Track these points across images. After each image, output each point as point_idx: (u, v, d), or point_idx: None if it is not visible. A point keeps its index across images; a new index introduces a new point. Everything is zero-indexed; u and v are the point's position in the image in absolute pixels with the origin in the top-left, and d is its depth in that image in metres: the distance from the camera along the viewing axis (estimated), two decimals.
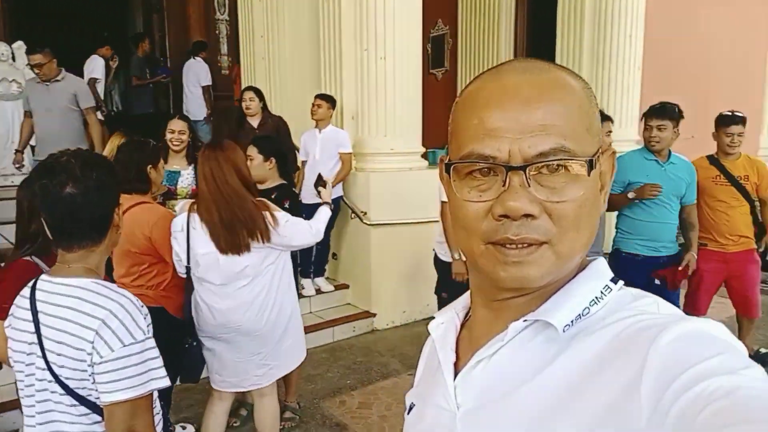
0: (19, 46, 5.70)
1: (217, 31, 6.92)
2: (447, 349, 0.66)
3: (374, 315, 4.63)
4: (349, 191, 4.70)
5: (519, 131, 0.53)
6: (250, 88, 4.89)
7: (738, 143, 3.50)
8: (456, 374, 0.63)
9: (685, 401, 0.43)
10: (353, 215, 4.65)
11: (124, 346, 1.22)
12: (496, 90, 0.56)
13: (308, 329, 3.68)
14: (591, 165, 0.55)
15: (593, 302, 0.56)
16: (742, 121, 3.54)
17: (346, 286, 4.90)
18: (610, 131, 3.54)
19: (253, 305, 2.42)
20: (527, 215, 0.53)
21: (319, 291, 4.71)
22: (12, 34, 6.06)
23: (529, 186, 0.53)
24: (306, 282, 4.61)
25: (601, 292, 0.57)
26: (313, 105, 4.62)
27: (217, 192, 2.31)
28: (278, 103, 5.70)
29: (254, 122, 4.76)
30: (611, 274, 0.60)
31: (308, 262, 4.61)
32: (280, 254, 2.47)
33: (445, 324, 0.70)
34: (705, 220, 3.52)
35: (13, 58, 5.73)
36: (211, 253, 2.34)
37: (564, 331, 0.54)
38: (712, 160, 3.60)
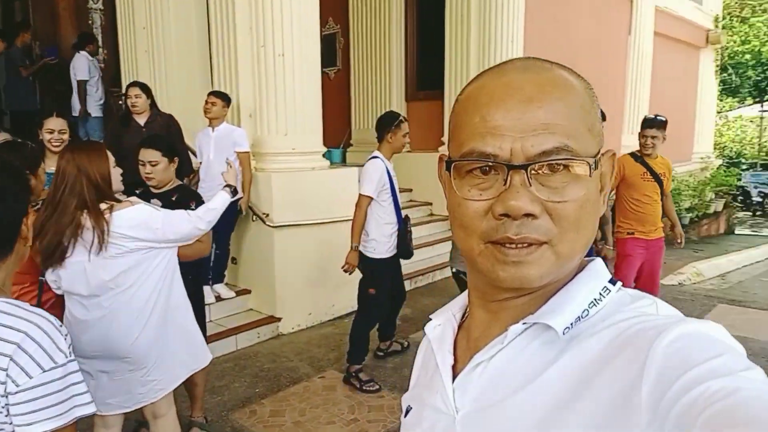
0: None
1: (90, 21, 6.35)
2: (445, 352, 0.65)
3: (279, 319, 4.51)
4: (249, 192, 4.52)
5: (521, 130, 0.53)
6: (135, 84, 4.54)
7: (651, 145, 3.98)
8: (454, 377, 0.62)
9: (685, 403, 0.43)
10: (255, 217, 4.49)
11: (44, 371, 1.07)
12: (499, 88, 0.55)
13: (210, 338, 3.52)
14: (593, 165, 0.54)
15: (592, 304, 0.56)
16: (658, 125, 3.98)
17: (248, 292, 4.72)
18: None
19: (129, 316, 2.20)
20: (528, 215, 0.53)
21: (219, 298, 4.50)
22: None
23: (531, 185, 0.53)
24: (205, 289, 4.38)
25: (600, 294, 0.57)
26: (207, 102, 4.40)
27: (53, 197, 2.10)
28: (164, 100, 5.36)
29: (141, 120, 4.43)
30: (609, 275, 0.60)
31: (206, 269, 4.38)
32: (161, 259, 2.26)
33: (442, 325, 0.69)
34: (633, 212, 4.01)
35: None
36: (78, 262, 2.12)
37: (564, 333, 0.54)
38: (637, 158, 4.06)
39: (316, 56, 4.75)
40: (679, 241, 4.31)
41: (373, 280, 3.60)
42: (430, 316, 0.73)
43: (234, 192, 2.58)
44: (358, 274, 5.00)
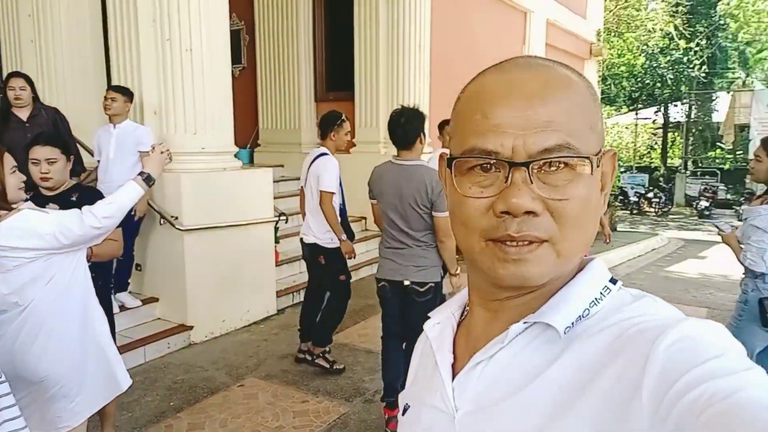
0: None
1: None
2: (444, 350, 0.65)
3: (190, 328, 4.28)
4: (156, 194, 4.26)
5: (523, 127, 0.52)
6: (18, 75, 4.13)
7: None
8: (454, 375, 0.62)
9: (685, 404, 0.43)
10: (162, 221, 4.24)
11: None
12: (501, 85, 0.55)
13: None
14: (595, 163, 0.54)
15: (593, 303, 0.56)
16: None
17: (155, 300, 4.44)
18: None
19: (40, 333, 2.01)
20: (529, 212, 0.52)
21: (123, 308, 4.19)
22: None
23: (532, 183, 0.52)
24: None
25: (601, 293, 0.57)
26: (106, 98, 4.10)
27: None
28: (52, 93, 4.93)
29: (23, 114, 4.04)
30: (610, 275, 0.59)
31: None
32: (68, 266, 2.07)
33: (441, 324, 0.68)
34: None
35: None
36: None
37: (564, 333, 0.54)
38: None
39: (225, 52, 4.58)
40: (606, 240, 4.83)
41: (341, 267, 3.84)
42: (429, 314, 0.72)
43: (149, 181, 2.31)
44: (270, 278, 4.88)
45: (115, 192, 2.20)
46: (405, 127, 2.90)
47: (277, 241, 5.16)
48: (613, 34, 17.57)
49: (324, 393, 3.48)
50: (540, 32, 10.33)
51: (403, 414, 0.71)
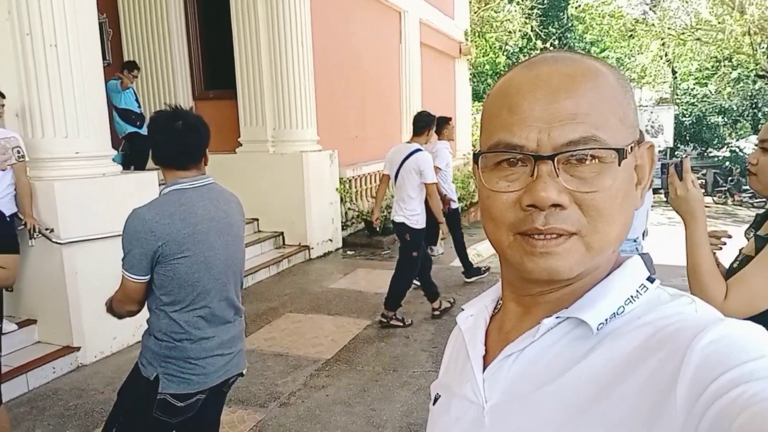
0: None
1: None
2: (476, 342, 0.65)
3: (77, 349, 3.91)
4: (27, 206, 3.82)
5: (548, 120, 0.53)
6: None
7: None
8: (485, 368, 0.62)
9: (721, 405, 0.42)
10: (37, 234, 3.81)
11: None
12: (527, 80, 0.56)
13: None
14: (623, 155, 0.54)
15: (628, 301, 0.55)
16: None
17: (33, 322, 4.00)
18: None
19: None
20: (556, 205, 0.52)
21: None
22: None
23: (558, 176, 0.52)
24: None
25: (637, 291, 0.56)
26: None
27: None
28: None
29: None
30: (647, 273, 0.59)
31: None
32: None
33: (474, 316, 0.69)
34: None
35: None
36: None
37: (598, 329, 0.54)
38: None
39: (96, 48, 4.23)
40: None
41: (415, 246, 4.52)
42: (462, 306, 0.73)
43: None
44: None
45: None
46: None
47: None
48: (477, 34, 18.68)
49: (237, 402, 3.37)
50: (414, 31, 10.70)
51: (434, 403, 0.72)
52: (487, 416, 0.59)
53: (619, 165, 0.54)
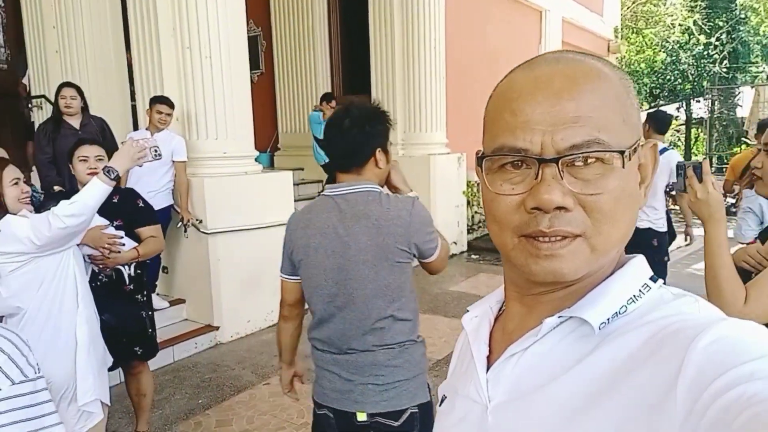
0: None
1: None
2: (480, 343, 0.66)
3: (217, 328, 4.37)
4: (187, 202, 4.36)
5: (551, 123, 0.52)
6: (69, 85, 4.30)
7: None
8: (489, 368, 0.63)
9: (721, 405, 0.42)
10: (189, 226, 4.33)
11: (14, 384, 1.00)
12: (528, 82, 0.55)
13: None
14: (627, 156, 0.54)
15: (631, 301, 0.55)
16: None
17: (183, 301, 4.55)
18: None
19: (48, 338, 2.06)
20: (560, 208, 0.52)
21: None
22: None
23: (562, 178, 0.52)
24: None
25: (640, 291, 0.56)
26: (154, 111, 4.19)
27: None
28: None
29: (74, 123, 4.19)
30: (650, 273, 0.59)
31: None
32: (44, 275, 2.05)
33: (479, 317, 0.70)
34: None
35: None
36: None
37: (600, 328, 0.54)
38: None
39: (244, 58, 4.67)
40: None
41: (664, 250, 4.28)
42: (468, 308, 0.74)
43: (110, 174, 2.09)
44: None
45: (81, 191, 2.12)
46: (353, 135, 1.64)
47: None
48: (631, 30, 17.40)
49: None
50: (556, 31, 10.30)
51: (440, 404, 0.73)
52: (491, 415, 0.60)
53: (623, 167, 0.53)
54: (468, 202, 7.72)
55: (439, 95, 7.16)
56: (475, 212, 7.99)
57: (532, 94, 0.54)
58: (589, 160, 0.53)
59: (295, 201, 6.52)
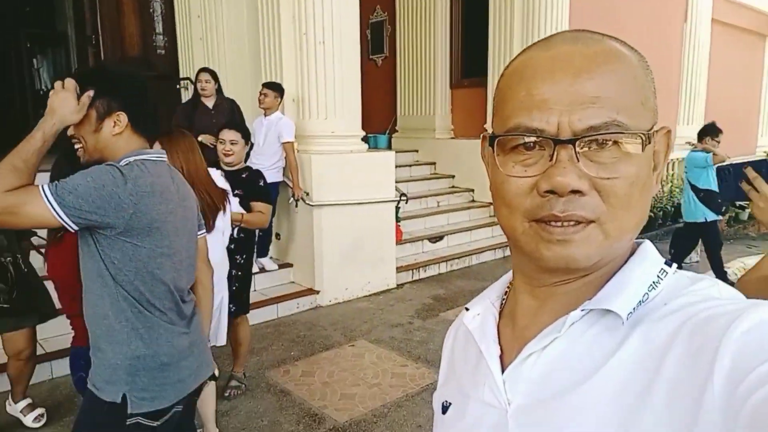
0: None
1: (151, 10, 6.76)
2: (489, 342, 0.62)
3: (317, 292, 4.79)
4: (298, 178, 4.81)
5: (569, 103, 0.50)
6: (206, 70, 4.90)
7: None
8: (503, 368, 0.59)
9: (761, 396, 0.40)
10: (299, 200, 4.76)
11: None
12: (546, 61, 0.53)
13: (253, 306, 3.81)
14: (645, 140, 0.52)
15: (651, 287, 0.53)
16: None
17: (290, 265, 5.04)
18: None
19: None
20: (575, 191, 0.50)
21: (263, 270, 4.83)
22: None
23: (578, 161, 0.50)
24: None
25: (658, 277, 0.54)
26: (260, 93, 4.68)
27: None
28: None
29: (209, 103, 4.80)
30: (662, 257, 0.57)
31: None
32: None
33: (482, 315, 0.66)
34: None
35: None
36: None
37: (627, 319, 0.51)
38: None
39: (355, 43, 4.96)
40: None
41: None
42: (466, 306, 0.70)
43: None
44: (390, 254, 5.21)
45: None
46: None
47: (398, 220, 5.48)
48: None
49: (423, 361, 3.73)
50: (705, 7, 9.36)
51: (443, 412, 0.68)
52: (511, 420, 0.56)
53: (642, 151, 0.52)
54: None
55: None
56: None
57: (550, 72, 0.52)
58: (607, 143, 0.51)
59: (407, 181, 6.78)
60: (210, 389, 2.70)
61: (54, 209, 1.34)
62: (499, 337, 0.62)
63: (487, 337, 0.63)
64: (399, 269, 5.43)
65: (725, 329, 0.44)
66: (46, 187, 1.35)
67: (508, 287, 0.68)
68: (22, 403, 3.02)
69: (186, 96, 6.17)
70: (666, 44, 8.94)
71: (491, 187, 0.58)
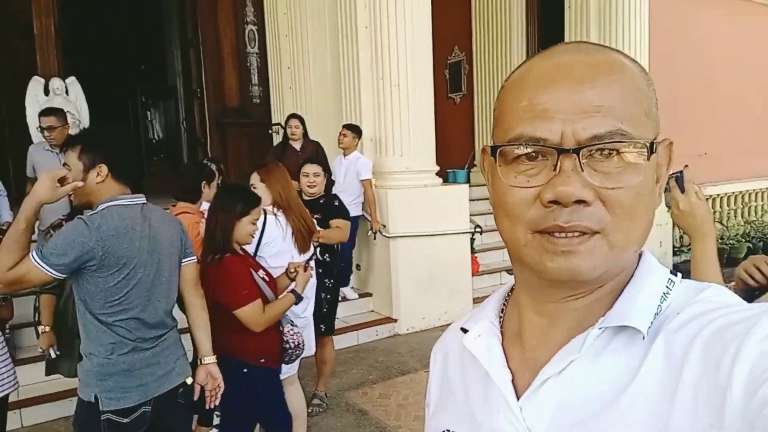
0: (72, 81, 6.31)
1: (248, 64, 7.50)
2: (498, 366, 0.59)
3: (395, 321, 5.02)
4: (376, 212, 5.13)
5: (572, 112, 0.50)
6: (295, 116, 5.43)
7: None
8: (516, 392, 0.57)
9: None
10: (376, 231, 5.06)
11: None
12: (548, 70, 0.53)
13: (336, 332, 4.06)
14: (650, 150, 0.51)
15: (663, 298, 0.53)
16: None
17: (370, 295, 5.32)
18: None
19: None
20: (579, 201, 0.49)
21: (344, 299, 5.13)
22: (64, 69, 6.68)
23: (582, 170, 0.50)
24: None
25: (667, 287, 0.54)
26: (340, 134, 5.08)
27: None
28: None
29: (297, 146, 5.29)
30: (666, 267, 0.57)
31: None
32: None
33: (484, 336, 0.62)
34: None
35: (66, 92, 6.35)
36: None
37: (647, 334, 0.50)
38: None
39: (428, 86, 5.26)
40: None
41: None
42: (462, 327, 0.66)
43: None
44: (467, 285, 5.33)
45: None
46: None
47: (473, 251, 5.62)
48: None
49: None
50: None
51: None
52: None
53: (648, 160, 0.51)
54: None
55: None
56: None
57: (553, 82, 0.52)
58: (611, 153, 0.50)
59: (485, 214, 6.90)
60: (301, 408, 2.93)
61: (46, 270, 1.74)
62: (506, 360, 0.59)
63: (495, 361, 0.59)
64: (476, 300, 5.53)
65: (742, 337, 0.44)
66: (35, 254, 1.76)
67: (504, 304, 0.66)
68: None
69: (277, 139, 6.75)
70: (754, 65, 8.55)
71: (492, 199, 0.58)
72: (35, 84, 6.02)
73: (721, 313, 0.48)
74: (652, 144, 0.51)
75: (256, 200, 2.46)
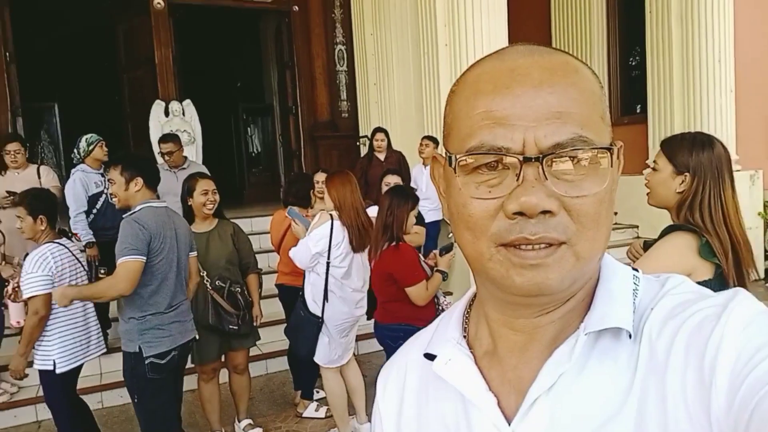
0: (188, 103, 7.17)
1: (337, 81, 8.11)
2: (480, 391, 0.56)
3: None
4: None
5: (532, 119, 0.48)
6: (380, 130, 5.92)
7: None
8: (504, 416, 0.54)
9: (757, 408, 0.41)
10: (451, 235, 5.39)
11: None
12: (503, 73, 0.51)
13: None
14: (613, 154, 0.50)
15: (634, 295, 0.53)
16: None
17: (450, 293, 5.65)
18: None
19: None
20: (545, 212, 0.48)
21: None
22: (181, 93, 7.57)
23: (546, 179, 0.48)
24: None
25: (635, 284, 0.54)
26: (421, 144, 5.49)
27: None
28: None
29: (381, 157, 5.77)
30: (626, 264, 0.57)
31: None
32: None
33: (454, 360, 0.59)
34: None
35: (183, 113, 7.21)
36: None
37: (632, 332, 0.50)
38: None
39: None
40: None
41: None
42: (430, 352, 0.61)
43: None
44: None
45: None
46: None
47: None
48: None
49: None
50: None
51: None
52: None
53: (611, 165, 0.51)
54: (766, 224, 6.96)
55: (727, 110, 6.72)
56: None
57: (509, 87, 0.50)
58: (573, 160, 0.49)
59: None
60: (360, 383, 3.39)
61: (139, 258, 2.48)
62: (486, 382, 0.56)
63: (475, 386, 0.56)
64: None
65: (720, 334, 0.45)
66: (121, 259, 2.46)
67: (465, 320, 0.63)
68: (244, 422, 3.53)
69: (363, 151, 7.27)
70: None
71: (449, 210, 0.55)
72: (157, 107, 6.95)
73: (696, 308, 0.49)
74: (612, 148, 0.51)
75: (417, 198, 3.06)
